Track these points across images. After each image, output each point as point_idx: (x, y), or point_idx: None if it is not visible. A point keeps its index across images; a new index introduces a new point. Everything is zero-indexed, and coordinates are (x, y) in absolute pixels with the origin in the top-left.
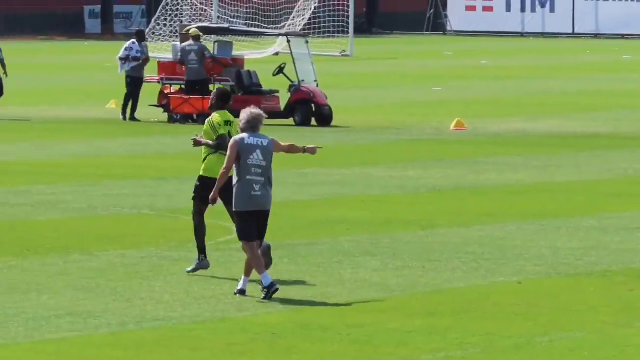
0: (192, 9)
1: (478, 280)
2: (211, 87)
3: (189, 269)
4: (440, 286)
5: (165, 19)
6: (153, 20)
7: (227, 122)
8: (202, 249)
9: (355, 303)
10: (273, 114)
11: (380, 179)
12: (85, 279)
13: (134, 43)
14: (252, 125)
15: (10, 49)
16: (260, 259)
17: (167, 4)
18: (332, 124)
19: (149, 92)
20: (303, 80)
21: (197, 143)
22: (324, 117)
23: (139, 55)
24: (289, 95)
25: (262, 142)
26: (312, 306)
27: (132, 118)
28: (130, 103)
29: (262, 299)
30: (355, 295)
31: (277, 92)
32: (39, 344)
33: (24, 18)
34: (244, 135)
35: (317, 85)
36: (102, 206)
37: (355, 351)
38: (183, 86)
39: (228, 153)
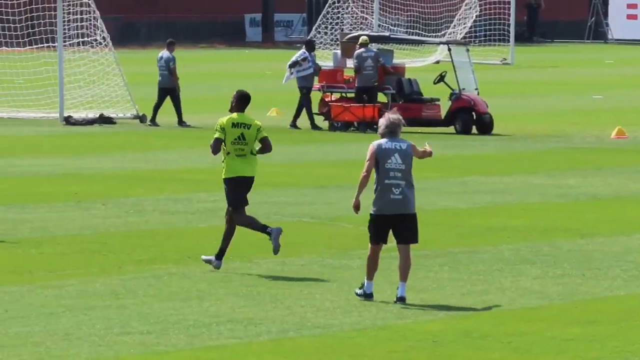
0: (352, 17)
1: (639, 289)
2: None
3: (205, 257)
4: (600, 294)
5: (326, 27)
6: (314, 28)
7: (239, 125)
8: (222, 251)
9: (515, 311)
10: (434, 122)
11: (540, 186)
12: (245, 286)
13: (304, 52)
14: (391, 130)
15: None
16: (377, 263)
17: (327, 13)
18: (493, 132)
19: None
20: (464, 89)
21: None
22: (485, 125)
23: (310, 65)
24: (449, 103)
25: (400, 146)
26: (473, 314)
27: (314, 126)
28: (302, 112)
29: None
30: (515, 303)
31: (438, 100)
32: (199, 351)
33: (184, 26)
34: (382, 140)
35: (478, 94)
36: (262, 214)
37: (515, 359)
38: (346, 94)
39: (367, 158)
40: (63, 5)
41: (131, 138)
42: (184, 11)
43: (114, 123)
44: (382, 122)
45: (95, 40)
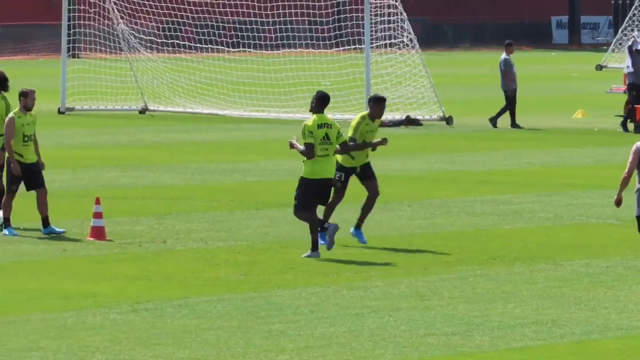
0: None
1: None
2: None
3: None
4: None
5: (632, 29)
6: (620, 30)
7: (324, 125)
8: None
9: None
10: None
11: None
12: (550, 287)
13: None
14: None
15: (475, 60)
16: None
17: (633, 15)
18: None
19: (614, 102)
20: None
21: (291, 146)
22: None
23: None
24: None
25: None
26: None
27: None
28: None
29: None
30: None
31: None
32: (503, 352)
33: (490, 28)
34: None
35: None
36: (567, 216)
37: None
38: None
39: (630, 159)
40: (370, 8)
41: (437, 140)
42: (490, 13)
43: (421, 125)
44: None
45: (402, 42)
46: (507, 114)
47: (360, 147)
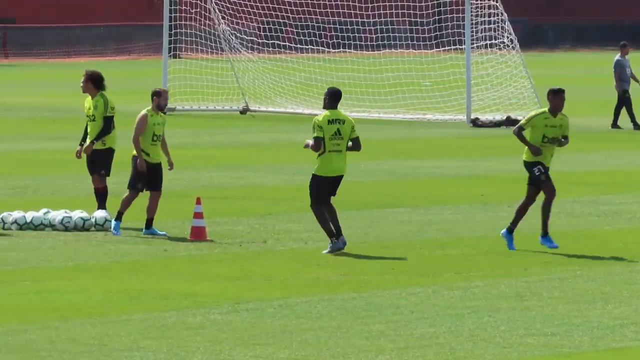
0: None
1: None
2: None
3: (325, 251)
4: None
5: None
6: None
7: (335, 121)
8: (331, 233)
9: None
10: None
11: None
12: None
13: None
14: None
15: (575, 60)
16: None
17: None
18: None
19: None
20: None
21: (305, 146)
22: None
23: None
24: None
25: None
26: None
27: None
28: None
29: None
30: None
31: None
32: (603, 353)
33: (591, 29)
34: None
35: None
36: None
37: None
38: None
39: None
40: (471, 8)
41: None
42: (591, 14)
43: None
44: None
45: (503, 42)
46: (625, 113)
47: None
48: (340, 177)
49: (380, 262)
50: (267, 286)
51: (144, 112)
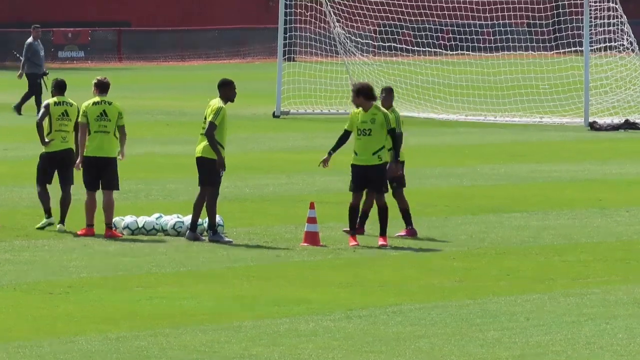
0: None
1: None
2: None
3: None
4: None
5: None
6: None
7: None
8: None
9: None
10: None
11: None
12: None
13: None
14: None
15: None
16: None
17: None
18: None
19: None
20: None
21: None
22: None
23: None
24: None
25: None
26: None
27: None
28: None
29: None
30: None
31: None
32: None
33: None
34: None
35: None
36: None
37: None
38: None
39: None
40: (589, 10)
41: None
42: None
43: None
44: None
45: (622, 44)
46: None
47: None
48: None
49: (496, 268)
50: (380, 292)
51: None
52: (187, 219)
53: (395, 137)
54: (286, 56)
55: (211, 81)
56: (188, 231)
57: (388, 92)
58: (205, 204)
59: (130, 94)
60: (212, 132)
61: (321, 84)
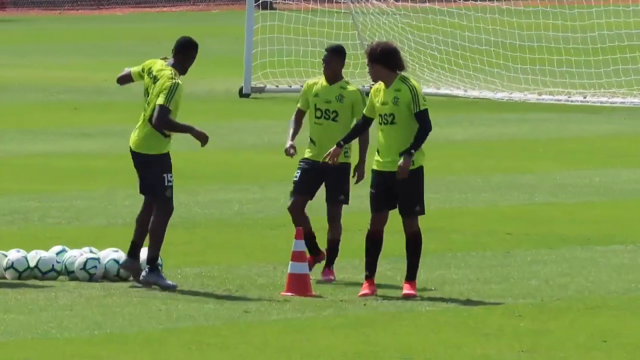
0: None
1: None
2: None
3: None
4: None
5: None
6: None
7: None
8: None
9: None
10: None
11: None
12: None
13: None
14: None
15: None
16: None
17: None
18: None
19: None
20: None
21: None
22: None
23: None
24: None
25: None
26: None
27: None
28: None
29: None
30: None
31: None
32: None
33: None
34: None
35: None
36: None
37: None
38: None
39: None
40: None
41: None
42: None
43: None
44: None
45: None
46: None
47: None
48: None
49: (585, 331)
50: None
51: None
52: (104, 255)
53: (424, 124)
54: (260, 1)
55: (143, 40)
56: (144, 271)
57: (333, 54)
58: (149, 225)
59: (15, 60)
60: (165, 120)
61: (314, 45)
